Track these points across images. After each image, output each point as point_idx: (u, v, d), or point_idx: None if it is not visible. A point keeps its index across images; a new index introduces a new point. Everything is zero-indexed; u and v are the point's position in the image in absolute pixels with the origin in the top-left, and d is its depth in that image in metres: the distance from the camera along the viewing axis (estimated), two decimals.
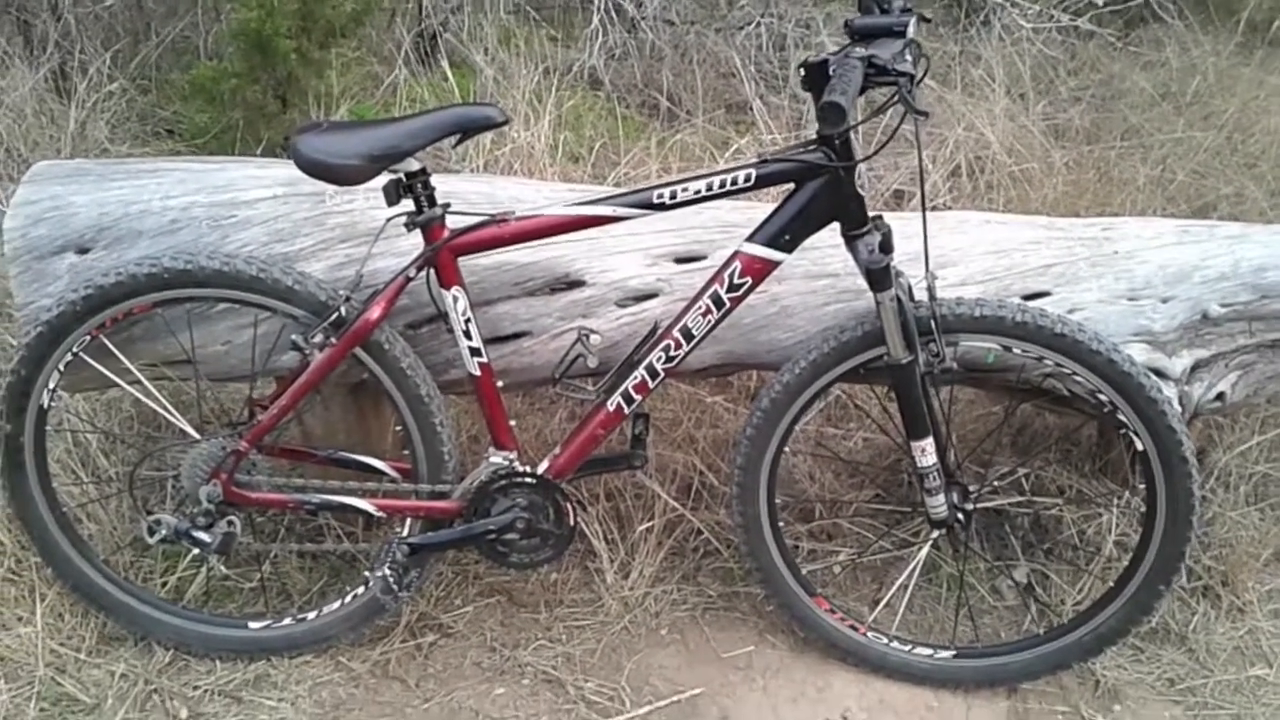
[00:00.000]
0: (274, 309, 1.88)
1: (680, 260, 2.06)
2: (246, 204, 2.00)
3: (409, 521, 2.04)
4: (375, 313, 1.85)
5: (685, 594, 2.35)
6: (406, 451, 2.01)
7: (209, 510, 1.93)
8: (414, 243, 1.96)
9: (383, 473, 2.09)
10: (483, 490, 1.95)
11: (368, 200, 2.03)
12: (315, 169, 1.73)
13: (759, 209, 2.19)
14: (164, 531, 1.93)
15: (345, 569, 2.29)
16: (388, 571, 1.88)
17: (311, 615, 2.10)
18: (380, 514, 1.98)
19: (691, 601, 2.34)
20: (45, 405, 1.94)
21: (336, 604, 2.10)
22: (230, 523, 1.94)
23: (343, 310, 1.84)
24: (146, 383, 1.97)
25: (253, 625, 2.10)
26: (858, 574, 2.41)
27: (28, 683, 1.99)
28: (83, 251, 1.97)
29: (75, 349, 1.90)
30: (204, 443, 1.94)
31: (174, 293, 1.87)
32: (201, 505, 1.92)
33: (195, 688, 2.03)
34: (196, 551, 1.93)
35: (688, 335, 1.87)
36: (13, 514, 2.00)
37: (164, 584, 2.20)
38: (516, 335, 2.04)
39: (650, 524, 2.34)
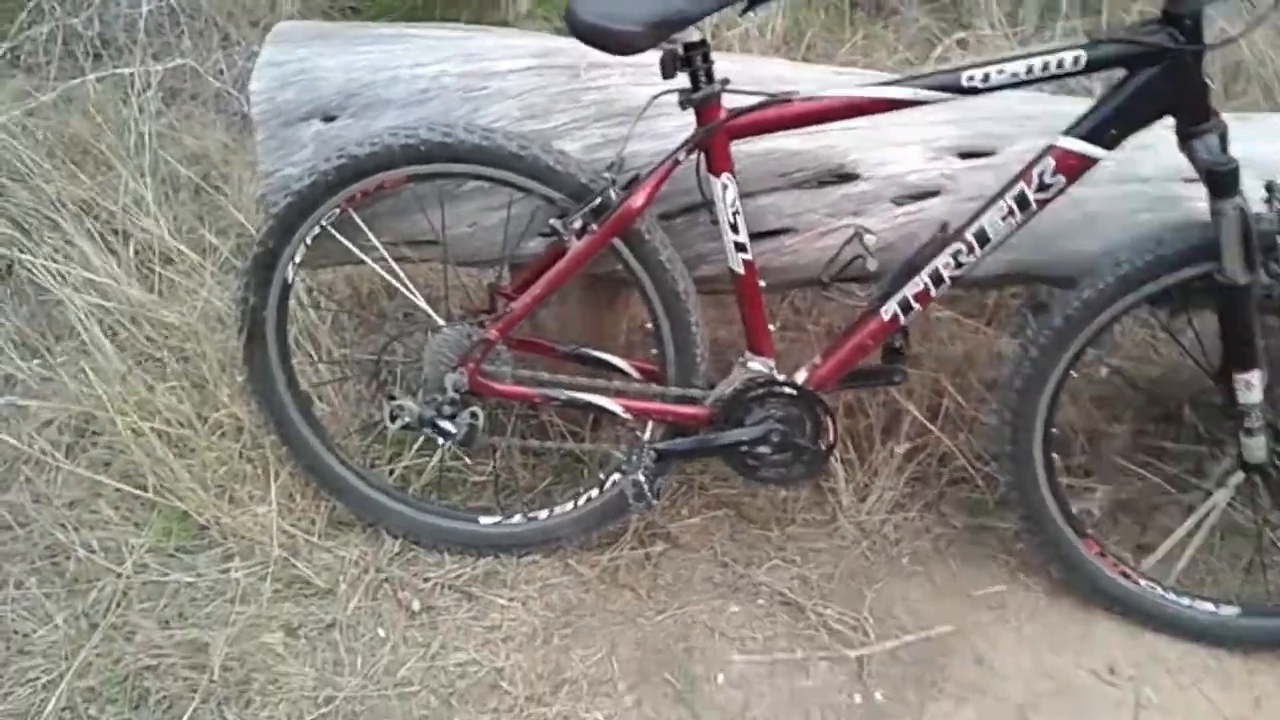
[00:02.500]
0: (531, 190, 1.83)
1: (966, 155, 1.93)
2: (498, 75, 1.94)
3: (649, 426, 1.99)
4: (639, 199, 1.78)
5: (928, 523, 2.27)
6: (655, 351, 1.96)
7: (453, 399, 1.91)
8: (675, 125, 1.88)
9: (624, 372, 2.04)
10: (737, 398, 1.89)
11: (624, 75, 1.95)
12: (593, 34, 1.65)
13: (1054, 101, 2.02)
14: (407, 418, 1.93)
15: (568, 469, 2.27)
16: (642, 477, 1.84)
17: (543, 515, 2.09)
18: (626, 415, 1.93)
19: (935, 532, 2.25)
20: (289, 279, 1.95)
21: (569, 505, 2.08)
22: (474, 414, 1.93)
23: (611, 194, 1.77)
24: (393, 262, 1.95)
25: (483, 520, 2.11)
26: (1117, 516, 2.28)
27: (261, 562, 2.04)
28: (329, 119, 1.94)
29: (324, 221, 1.89)
30: (450, 329, 1.92)
31: (430, 167, 1.83)
32: (446, 394, 1.91)
33: (425, 579, 2.05)
34: (441, 441, 1.92)
35: (982, 239, 1.75)
36: (251, 390, 2.03)
37: (391, 471, 2.21)
38: (779, 231, 1.95)
39: (893, 446, 2.24)
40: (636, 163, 1.87)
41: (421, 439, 1.90)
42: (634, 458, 1.88)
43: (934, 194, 1.90)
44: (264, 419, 2.06)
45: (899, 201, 1.91)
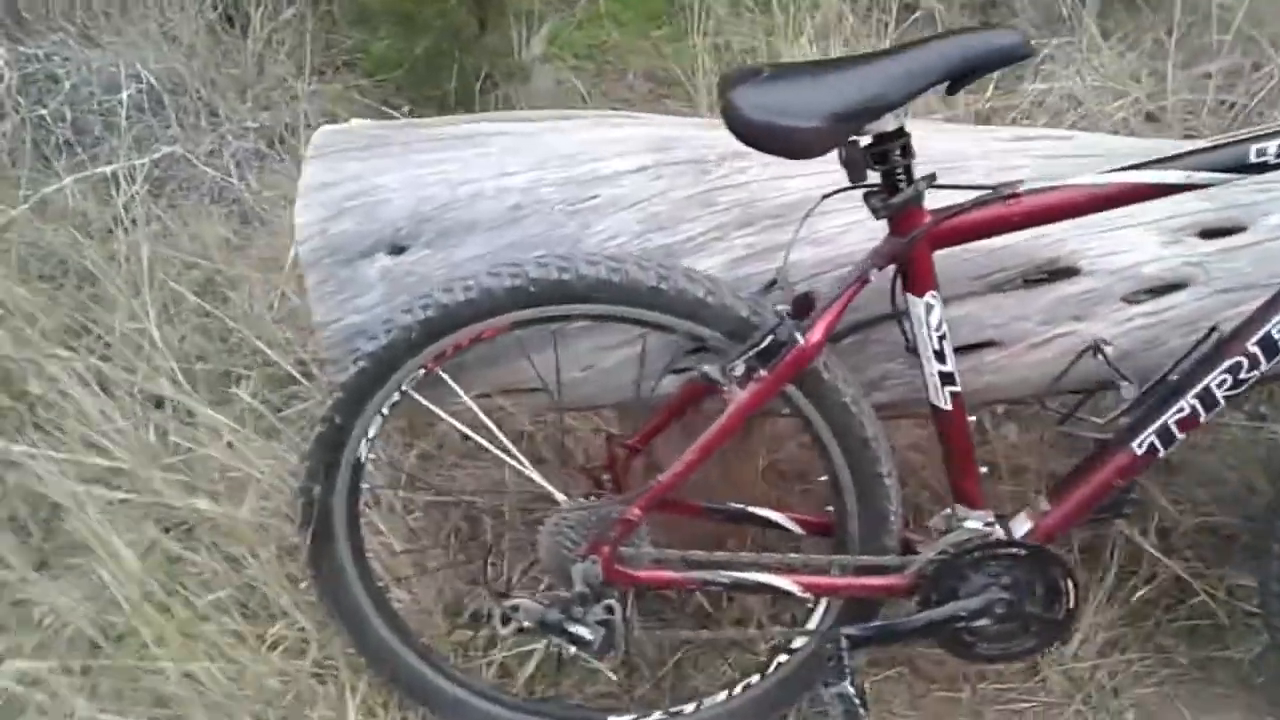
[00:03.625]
0: (674, 328, 1.45)
1: (1210, 234, 1.55)
2: (607, 180, 1.56)
3: (825, 601, 1.61)
4: (817, 334, 1.40)
5: (1150, 664, 1.89)
6: (831, 509, 1.57)
7: (583, 594, 1.52)
8: (837, 226, 1.51)
9: (786, 529, 1.66)
10: (949, 564, 1.50)
11: (765, 167, 1.57)
12: (767, 137, 1.27)
13: None
14: (524, 620, 1.54)
15: (711, 647, 1.88)
16: (850, 688, 1.45)
17: (688, 709, 1.72)
18: (805, 594, 1.55)
19: (1160, 674, 1.89)
20: (363, 458, 1.56)
21: (721, 696, 1.71)
22: (609, 609, 1.54)
23: (782, 331, 1.38)
24: (489, 421, 1.56)
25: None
26: None
27: None
28: (398, 251, 1.56)
29: (405, 385, 1.50)
30: (574, 507, 1.53)
31: (542, 311, 1.45)
32: (575, 588, 1.52)
33: None
34: (572, 650, 1.53)
35: (1271, 348, 1.37)
36: (320, 593, 1.64)
37: (488, 664, 1.82)
38: (978, 345, 1.57)
39: (1104, 577, 1.87)
40: (792, 276, 1.48)
41: (569, 649, 1.49)
42: (830, 661, 1.49)
43: (1180, 287, 1.53)
44: (337, 626, 1.66)
45: (1134, 299, 1.54)
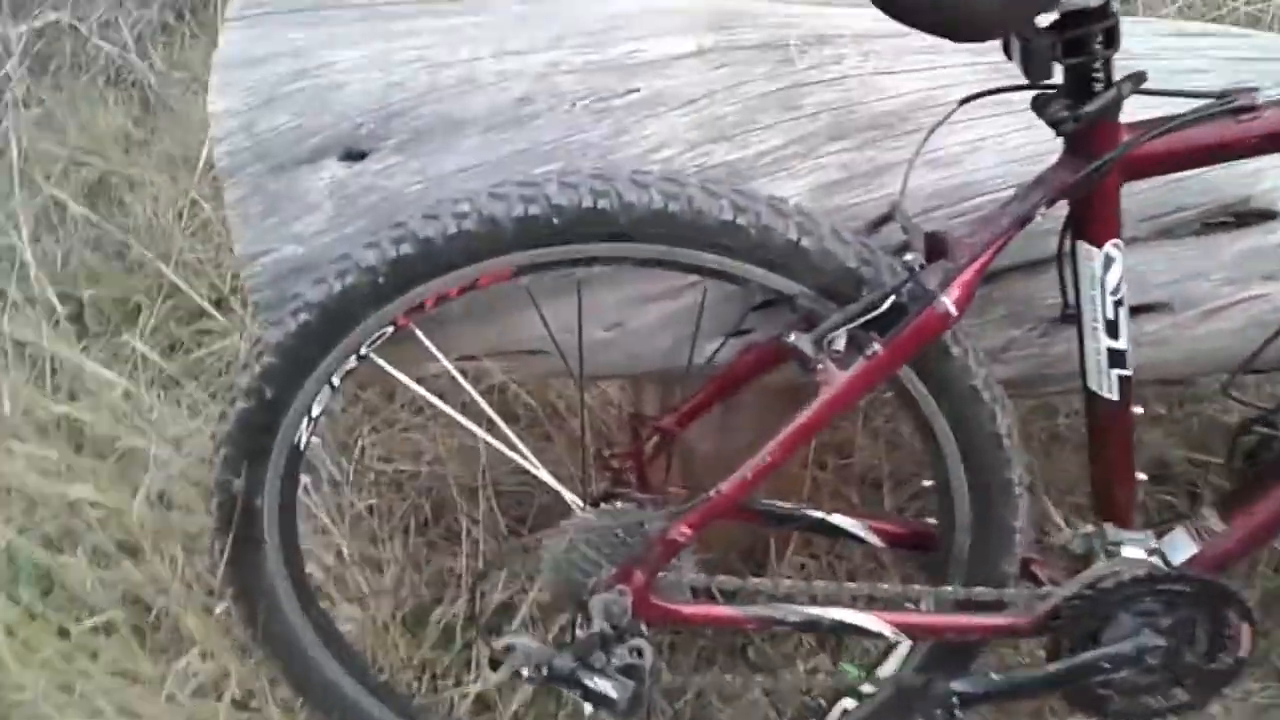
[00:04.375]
0: (747, 279, 1.04)
1: None
2: (650, 67, 1.13)
3: (911, 645, 1.25)
4: (955, 294, 1.00)
5: None
6: (936, 522, 1.20)
7: (604, 635, 1.13)
8: (963, 143, 1.11)
9: (859, 539, 1.28)
10: (1097, 600, 1.14)
11: (864, 56, 1.16)
12: (932, 11, 0.85)
13: None
14: (524, 668, 1.15)
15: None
16: None
17: None
18: (895, 635, 1.17)
19: None
20: (302, 443, 1.13)
21: None
22: (637, 653, 1.15)
23: (903, 292, 0.98)
24: (481, 400, 1.15)
25: None
26: None
27: None
28: (355, 157, 1.12)
29: (366, 348, 1.07)
30: (598, 518, 1.13)
31: (566, 251, 1.02)
32: (594, 627, 1.12)
33: None
34: (588, 709, 1.14)
35: None
36: (242, 616, 1.22)
37: (460, 694, 1.43)
38: (1137, 309, 1.18)
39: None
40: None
41: (585, 706, 1.10)
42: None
43: None
44: (266, 658, 1.25)
45: None
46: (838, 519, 1.28)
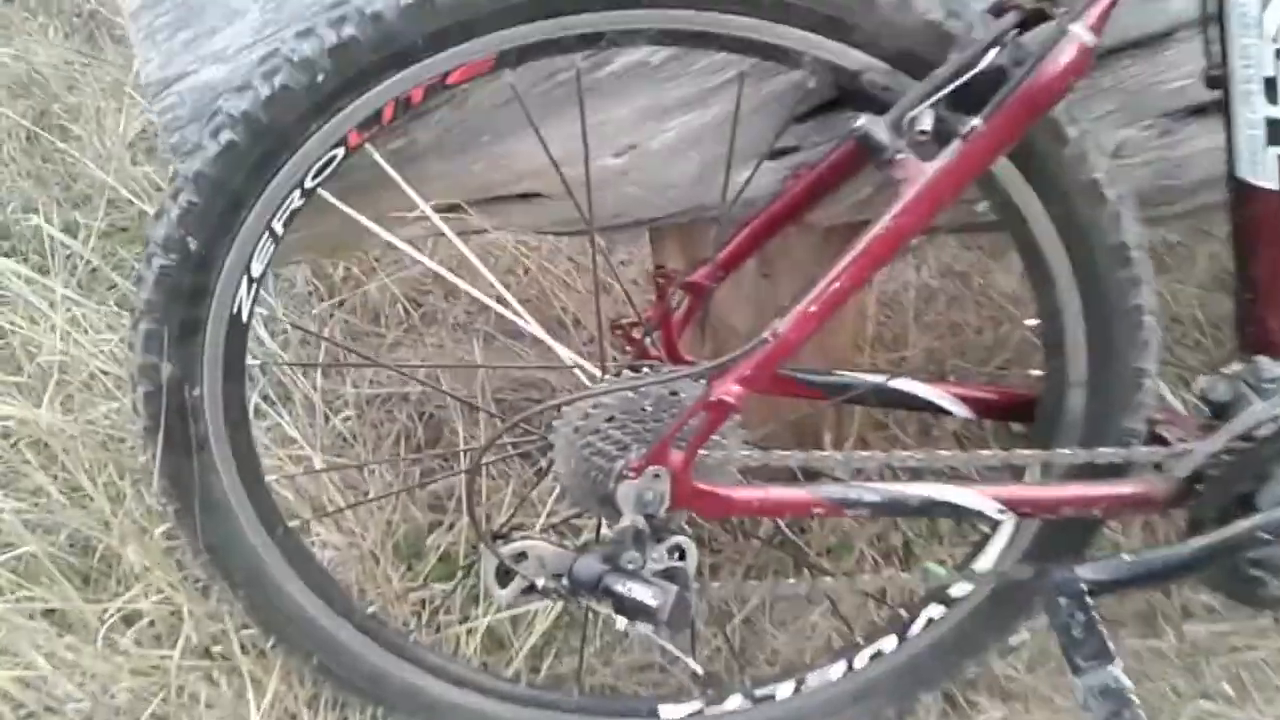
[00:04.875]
0: (801, 53, 0.79)
1: None
2: None
3: (1011, 525, 1.00)
4: (1072, 54, 0.74)
5: None
6: (1044, 373, 0.95)
7: (638, 531, 0.89)
8: None
9: (941, 409, 1.03)
10: (1251, 454, 0.89)
11: None
12: None
13: None
14: (539, 577, 0.91)
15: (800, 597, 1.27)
16: (1120, 675, 0.85)
17: (784, 690, 1.10)
18: (1001, 514, 0.93)
19: None
20: (244, 312, 0.89)
21: (837, 669, 1.10)
22: (679, 552, 0.91)
23: (1004, 50, 0.74)
24: (461, 244, 0.90)
25: (667, 713, 1.10)
26: None
27: None
28: None
29: (310, 178, 0.83)
30: (621, 385, 0.89)
31: (560, 25, 0.77)
32: (624, 521, 0.88)
33: None
34: (622, 624, 0.90)
35: None
36: (190, 542, 0.98)
37: (469, 632, 1.19)
38: None
39: None
40: None
41: (616, 621, 0.86)
42: (1069, 623, 0.88)
43: None
44: (224, 592, 1.01)
45: None
46: (912, 385, 1.04)
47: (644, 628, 0.89)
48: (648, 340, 1.03)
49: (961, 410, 1.04)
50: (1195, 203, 1.01)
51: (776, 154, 0.95)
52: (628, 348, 1.04)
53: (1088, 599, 0.89)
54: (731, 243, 1.00)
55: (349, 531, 1.18)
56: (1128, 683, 0.85)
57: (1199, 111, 0.94)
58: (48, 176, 1.97)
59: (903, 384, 1.04)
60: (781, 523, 1.23)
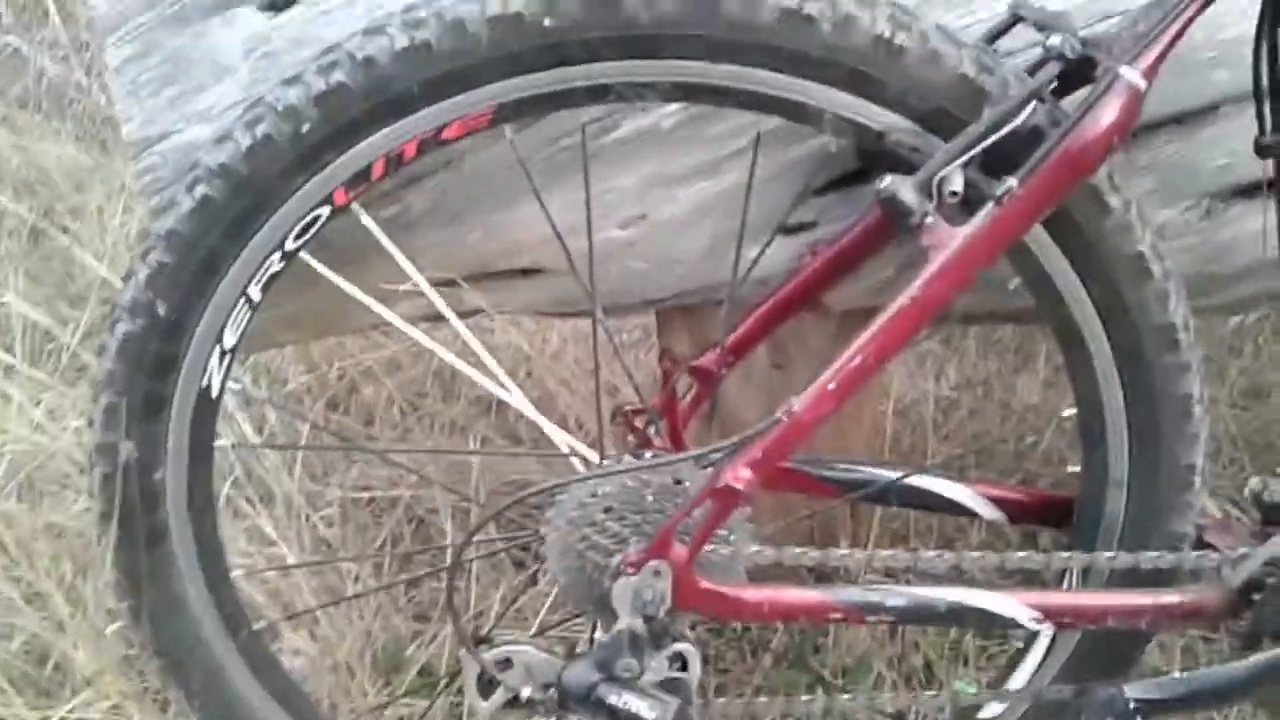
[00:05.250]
0: (823, 111, 0.74)
1: None
2: None
3: (1048, 638, 0.91)
4: (1114, 112, 0.69)
5: None
6: (1081, 469, 0.87)
7: (634, 635, 0.79)
8: None
9: (968, 511, 0.94)
10: None
11: None
12: None
13: None
14: (523, 686, 0.81)
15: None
16: None
17: None
18: (1037, 625, 0.83)
19: None
20: (213, 386, 0.82)
21: None
22: (679, 661, 0.81)
23: (1042, 109, 0.68)
24: (457, 321, 0.83)
25: None
26: None
27: None
28: (278, 4, 0.82)
29: (291, 239, 0.76)
30: (619, 471, 0.80)
31: (563, 75, 0.72)
32: (620, 624, 0.79)
33: None
34: None
35: None
36: (141, 638, 0.88)
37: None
38: None
39: None
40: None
41: None
42: None
43: None
44: (178, 699, 0.91)
45: None
46: (937, 484, 0.95)
47: None
48: (652, 430, 0.94)
49: (991, 512, 0.95)
50: (1239, 292, 0.94)
51: (793, 229, 0.89)
52: (630, 437, 0.96)
53: (1137, 718, 0.79)
54: (742, 325, 0.92)
55: (322, 639, 1.08)
56: None
57: (1244, 192, 0.88)
58: (44, 273, 1.93)
59: (926, 482, 0.96)
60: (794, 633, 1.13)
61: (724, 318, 0.91)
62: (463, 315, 0.92)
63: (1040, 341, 1.53)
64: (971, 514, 0.96)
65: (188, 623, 0.89)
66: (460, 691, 1.10)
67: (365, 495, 1.35)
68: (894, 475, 0.96)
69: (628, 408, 0.96)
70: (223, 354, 0.82)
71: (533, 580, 1.17)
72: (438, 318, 0.91)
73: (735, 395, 1.02)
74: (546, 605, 1.11)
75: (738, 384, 1.01)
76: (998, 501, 0.95)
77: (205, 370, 0.82)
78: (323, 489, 1.33)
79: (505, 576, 1.20)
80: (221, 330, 0.81)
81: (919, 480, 0.95)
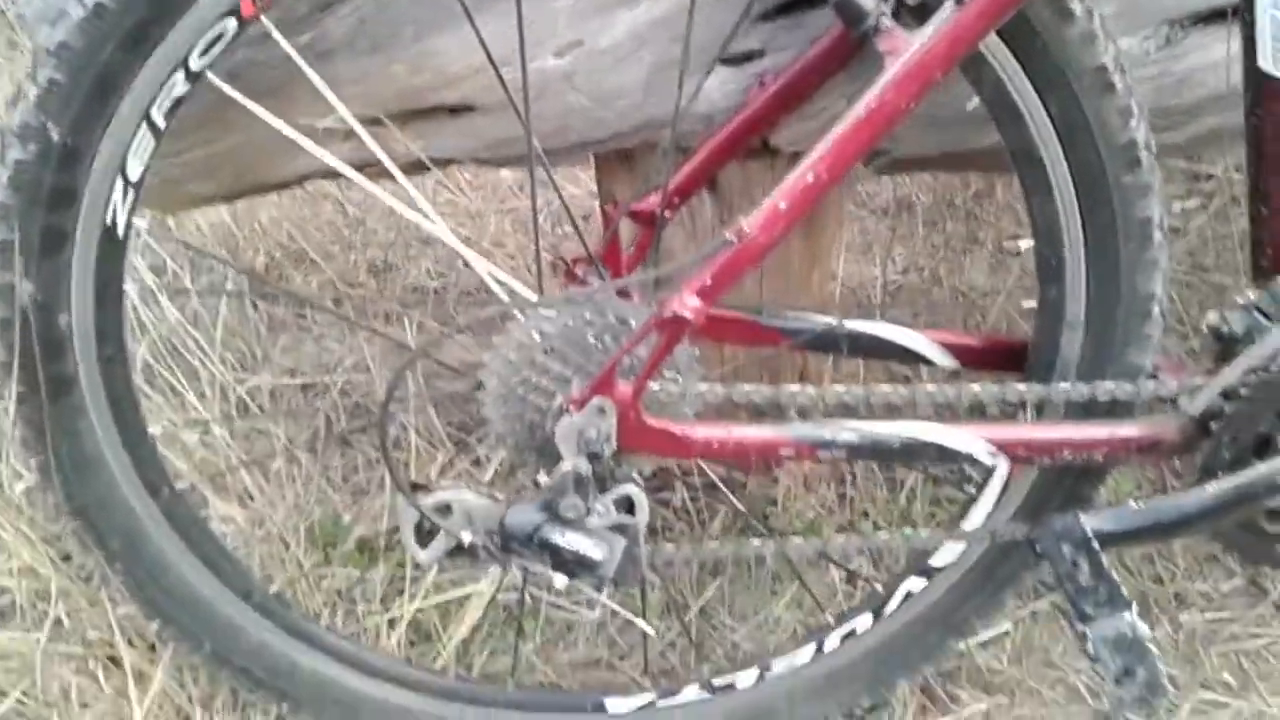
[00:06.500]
0: None
1: None
2: None
3: (1004, 476, 0.88)
4: None
5: None
6: (1040, 303, 0.84)
7: (579, 476, 0.75)
8: None
9: (923, 358, 0.91)
10: (1267, 390, 0.78)
11: None
12: None
13: None
14: (465, 532, 0.77)
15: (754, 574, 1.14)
16: (1139, 623, 0.72)
17: (746, 680, 0.96)
18: (993, 457, 0.80)
19: None
20: (118, 223, 0.75)
21: (804, 653, 0.96)
22: (625, 504, 0.77)
23: None
24: (380, 151, 0.77)
25: (614, 708, 0.95)
26: None
27: None
28: None
29: (200, 56, 0.69)
30: (560, 304, 0.76)
31: None
32: (565, 466, 0.75)
33: None
34: (558, 582, 0.76)
35: None
36: (60, 503, 0.82)
37: (390, 623, 1.03)
38: None
39: None
40: None
41: (553, 580, 0.72)
42: (1075, 575, 0.75)
43: None
44: (101, 569, 0.85)
45: None
46: (889, 330, 0.91)
47: (588, 584, 0.75)
48: (594, 280, 0.90)
49: (944, 359, 0.92)
50: (1196, 129, 0.91)
51: (738, 59, 0.83)
52: (572, 287, 0.91)
53: (1094, 543, 0.76)
54: (687, 165, 0.87)
55: (254, 510, 1.02)
56: (1145, 630, 0.72)
57: (1204, 19, 0.84)
58: None
59: (878, 328, 0.92)
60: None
61: (666, 154, 0.85)
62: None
63: (988, 225, 1.50)
64: (925, 360, 0.93)
65: (103, 481, 0.83)
66: (402, 564, 1.06)
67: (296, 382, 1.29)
68: (849, 326, 0.92)
69: (569, 256, 0.91)
70: (126, 186, 0.76)
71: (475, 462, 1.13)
72: (364, 166, 0.85)
73: (679, 243, 0.97)
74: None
75: (682, 231, 0.96)
76: (950, 348, 0.92)
77: (109, 204, 0.76)
78: (247, 378, 1.26)
79: (443, 449, 1.16)
80: (124, 159, 0.74)
81: (871, 326, 0.92)
